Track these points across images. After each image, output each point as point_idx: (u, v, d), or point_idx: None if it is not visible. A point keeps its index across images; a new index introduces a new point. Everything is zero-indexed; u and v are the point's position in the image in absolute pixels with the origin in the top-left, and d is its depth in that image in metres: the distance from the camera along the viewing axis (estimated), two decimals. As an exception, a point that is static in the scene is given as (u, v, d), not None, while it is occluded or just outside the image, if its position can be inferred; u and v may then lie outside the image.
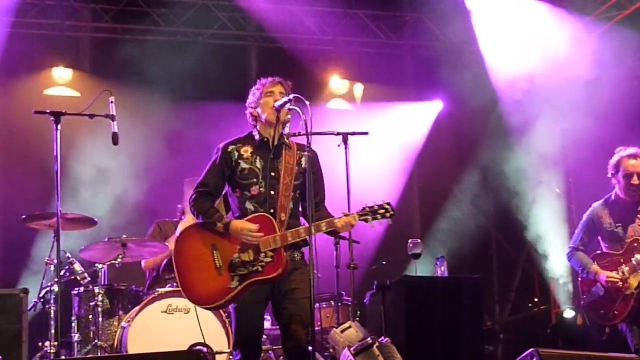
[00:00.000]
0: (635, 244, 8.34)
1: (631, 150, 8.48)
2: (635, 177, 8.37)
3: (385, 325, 8.88)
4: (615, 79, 11.57)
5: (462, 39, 13.04)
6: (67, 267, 8.63)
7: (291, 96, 6.42)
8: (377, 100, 13.56)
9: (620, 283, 8.31)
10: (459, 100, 13.25)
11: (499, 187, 12.98)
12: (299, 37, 13.01)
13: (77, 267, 8.68)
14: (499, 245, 14.06)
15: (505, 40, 12.60)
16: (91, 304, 8.66)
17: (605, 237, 8.61)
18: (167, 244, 9.19)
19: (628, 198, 8.46)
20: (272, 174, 6.52)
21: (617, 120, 11.40)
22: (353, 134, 7.78)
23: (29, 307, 7.60)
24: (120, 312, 8.78)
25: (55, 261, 7.96)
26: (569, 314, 12.21)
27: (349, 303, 9.19)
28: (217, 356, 8.24)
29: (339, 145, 7.69)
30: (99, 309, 8.60)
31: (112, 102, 7.26)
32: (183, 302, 8.40)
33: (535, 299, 13.77)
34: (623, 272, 8.30)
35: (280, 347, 8.02)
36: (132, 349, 8.20)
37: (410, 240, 9.95)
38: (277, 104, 6.51)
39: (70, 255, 8.66)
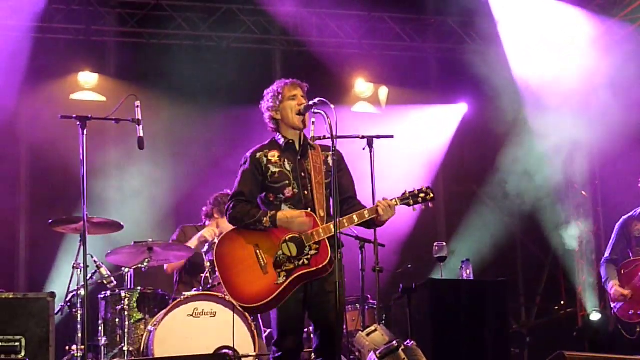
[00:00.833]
0: None
1: None
2: None
3: (411, 329, 8.86)
4: (642, 81, 11.54)
5: (487, 42, 13.01)
6: (94, 271, 8.66)
7: (316, 100, 6.44)
8: (402, 103, 13.54)
9: (624, 299, 9.00)
10: (484, 103, 13.21)
11: (524, 190, 12.93)
12: (324, 40, 13.02)
13: (104, 271, 8.70)
14: (524, 248, 14.02)
15: (531, 43, 12.57)
16: (118, 308, 8.69)
17: (634, 244, 8.85)
18: (191, 246, 9.23)
19: None
20: (302, 174, 6.55)
21: (644, 122, 11.40)
22: (378, 137, 7.75)
23: (56, 311, 7.62)
24: (147, 316, 8.79)
25: (81, 265, 7.99)
26: (595, 317, 12.17)
27: (375, 306, 9.18)
28: (243, 360, 8.26)
29: (364, 149, 7.68)
30: (126, 312, 8.63)
31: (138, 106, 7.27)
32: (209, 306, 8.40)
33: (562, 302, 13.72)
34: None
35: (306, 350, 8.10)
36: (159, 352, 8.20)
37: (435, 244, 9.93)
38: (302, 108, 6.53)
39: (97, 260, 8.69)
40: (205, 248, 8.93)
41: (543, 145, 12.51)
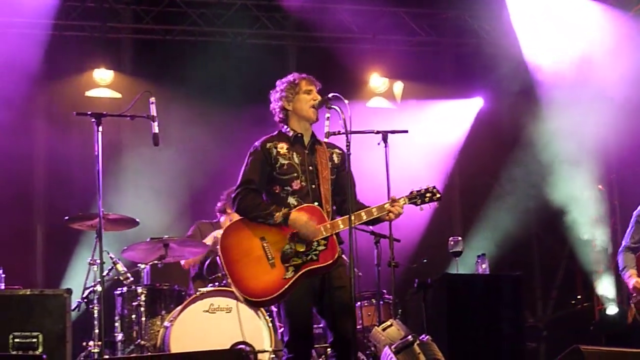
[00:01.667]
0: None
1: None
2: None
3: (426, 323, 8.86)
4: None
5: (502, 36, 12.99)
6: (110, 267, 8.69)
7: (330, 95, 6.44)
8: (418, 98, 13.52)
9: None
10: (500, 97, 13.20)
11: (540, 184, 12.91)
12: (339, 35, 13.03)
13: (120, 267, 8.74)
14: (540, 242, 14.01)
15: (546, 36, 12.54)
16: (134, 304, 8.71)
17: None
18: (207, 242, 9.25)
19: None
20: (311, 168, 6.55)
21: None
22: (393, 132, 7.74)
23: (72, 308, 7.68)
24: (163, 312, 8.81)
25: (98, 261, 8.01)
26: (612, 310, 12.15)
27: (390, 301, 9.20)
28: (259, 355, 8.25)
29: (378, 144, 7.67)
30: (142, 308, 8.66)
31: (152, 103, 7.28)
32: (225, 302, 8.42)
33: (578, 296, 13.70)
34: None
35: (322, 345, 8.12)
36: (175, 348, 8.23)
37: (451, 238, 9.92)
38: (316, 103, 6.54)
39: (113, 256, 8.73)
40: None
41: (558, 139, 12.47)
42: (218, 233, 9.21)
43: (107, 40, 12.46)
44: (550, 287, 13.88)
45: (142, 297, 8.68)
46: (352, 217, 6.25)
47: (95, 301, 8.52)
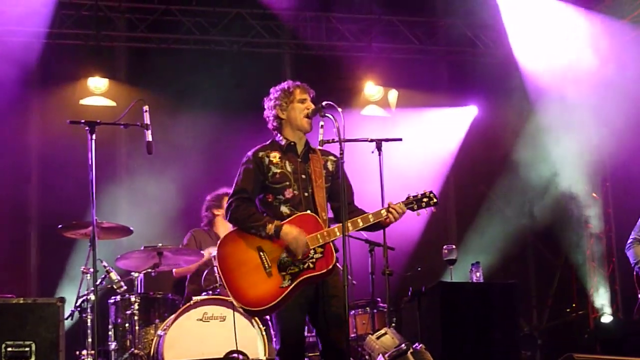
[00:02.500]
0: None
1: None
2: None
3: (420, 332, 8.85)
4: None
5: (496, 44, 13.02)
6: (103, 276, 8.68)
7: (324, 103, 6.44)
8: (412, 106, 13.52)
9: None
10: (494, 106, 13.22)
11: (535, 192, 12.92)
12: (333, 43, 13.03)
13: (114, 275, 8.72)
14: (535, 251, 14.00)
15: (540, 45, 12.56)
16: (128, 312, 8.70)
17: None
18: (202, 252, 9.23)
19: None
20: (303, 176, 6.53)
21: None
22: (387, 140, 7.74)
23: (66, 316, 7.64)
24: (157, 321, 8.80)
25: (91, 270, 7.98)
26: (607, 319, 12.15)
27: (385, 310, 9.18)
28: (252, 364, 8.26)
29: (372, 152, 7.67)
30: (136, 317, 8.64)
31: (146, 111, 7.27)
32: (219, 310, 8.43)
33: (573, 305, 13.70)
34: None
35: (316, 354, 8.10)
36: (169, 357, 8.23)
37: (445, 246, 9.90)
38: (310, 111, 6.53)
39: (106, 264, 8.71)
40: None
41: (553, 147, 12.48)
42: (213, 250, 9.22)
43: (102, 49, 12.44)
44: (546, 296, 13.87)
45: (136, 306, 8.67)
46: (347, 224, 6.24)
47: (89, 310, 8.50)
